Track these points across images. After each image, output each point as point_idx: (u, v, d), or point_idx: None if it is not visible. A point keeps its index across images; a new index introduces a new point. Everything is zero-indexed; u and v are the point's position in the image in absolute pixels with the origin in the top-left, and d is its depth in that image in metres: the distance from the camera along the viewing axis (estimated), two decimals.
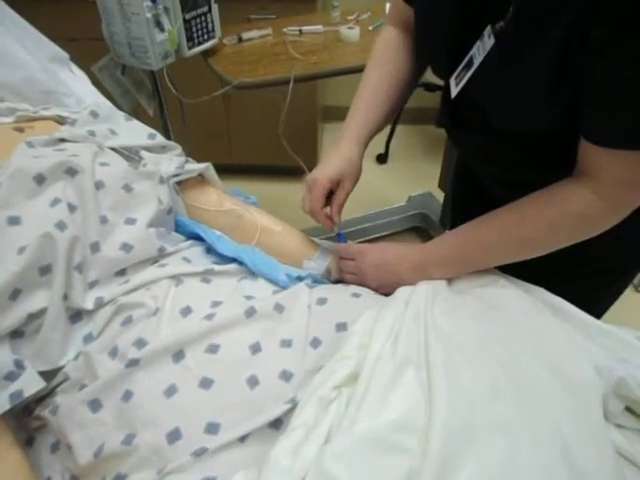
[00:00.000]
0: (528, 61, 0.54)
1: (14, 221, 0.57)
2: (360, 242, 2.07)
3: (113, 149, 0.74)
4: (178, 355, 0.55)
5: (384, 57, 0.78)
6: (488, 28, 0.57)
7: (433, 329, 0.55)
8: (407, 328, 0.55)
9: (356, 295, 0.66)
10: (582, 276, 0.74)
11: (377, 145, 2.43)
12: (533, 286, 0.65)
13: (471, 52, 0.60)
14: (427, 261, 0.67)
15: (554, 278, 0.65)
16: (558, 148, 0.59)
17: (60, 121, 0.80)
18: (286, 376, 0.55)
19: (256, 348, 0.57)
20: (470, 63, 0.60)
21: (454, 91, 0.64)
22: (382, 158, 2.46)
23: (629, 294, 1.79)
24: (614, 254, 0.73)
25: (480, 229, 0.65)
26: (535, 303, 0.62)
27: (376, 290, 0.70)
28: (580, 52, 0.50)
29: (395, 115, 0.81)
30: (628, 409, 0.53)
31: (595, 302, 0.78)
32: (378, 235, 1.98)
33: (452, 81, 0.64)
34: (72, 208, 0.61)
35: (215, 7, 1.21)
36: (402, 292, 0.62)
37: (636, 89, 0.48)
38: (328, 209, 0.75)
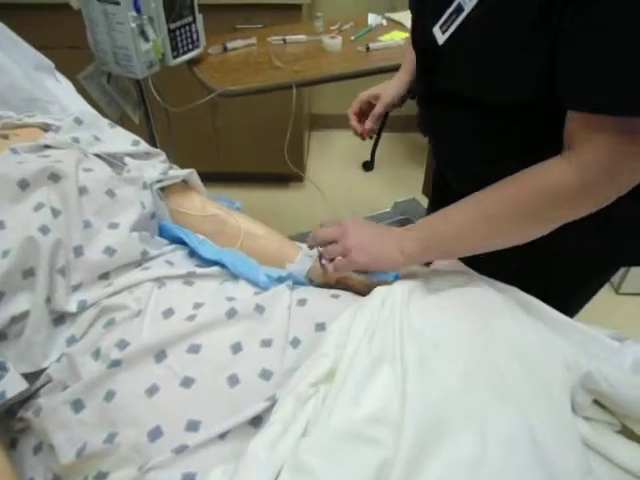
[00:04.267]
0: (517, 7, 0.54)
1: None
2: None
3: (97, 155, 0.75)
4: (160, 355, 0.56)
5: None
6: None
7: (408, 326, 0.57)
8: (383, 326, 0.57)
9: (335, 296, 0.68)
10: (553, 277, 0.76)
11: (363, 153, 2.47)
12: (506, 285, 0.67)
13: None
14: (404, 232, 0.68)
15: (527, 279, 0.67)
16: (537, 130, 0.59)
17: (45, 128, 0.81)
18: (266, 375, 0.56)
19: (237, 348, 0.58)
20: (459, 9, 0.60)
21: (441, 39, 0.63)
22: (368, 165, 2.50)
23: (609, 296, 1.83)
24: (583, 256, 0.75)
25: (453, 207, 0.65)
26: (507, 301, 0.64)
27: (357, 258, 0.67)
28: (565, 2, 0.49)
29: None
30: (596, 402, 0.55)
31: (568, 302, 0.80)
32: None
33: (436, 29, 0.64)
34: (56, 213, 0.62)
35: (200, 17, 1.23)
36: (378, 291, 0.64)
37: (613, 46, 0.48)
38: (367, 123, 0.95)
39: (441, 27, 0.63)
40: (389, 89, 0.94)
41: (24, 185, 0.62)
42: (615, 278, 1.80)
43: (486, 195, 0.62)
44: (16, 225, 0.59)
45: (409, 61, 0.93)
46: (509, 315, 0.62)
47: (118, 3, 1.02)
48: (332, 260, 0.70)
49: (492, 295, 0.65)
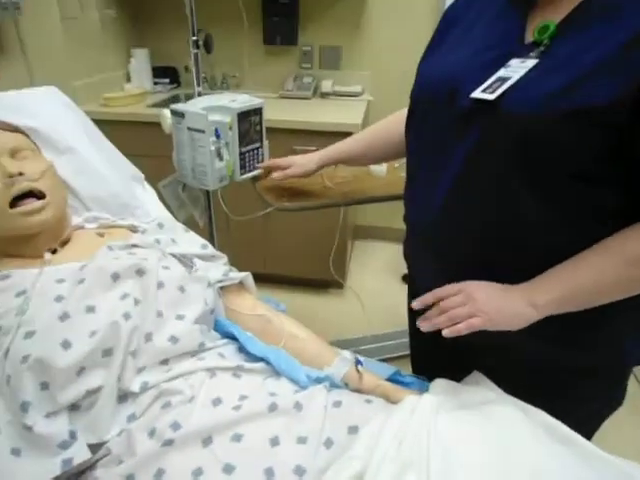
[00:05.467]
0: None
1: (91, 309, 0.70)
2: (385, 359, 2.05)
3: (173, 255, 0.88)
4: (207, 440, 0.62)
5: (387, 121, 1.07)
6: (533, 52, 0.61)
7: (435, 438, 0.61)
8: (411, 434, 0.61)
9: (368, 401, 0.73)
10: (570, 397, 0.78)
11: (403, 265, 2.55)
12: (532, 407, 0.70)
13: (499, 73, 0.62)
14: (530, 286, 0.67)
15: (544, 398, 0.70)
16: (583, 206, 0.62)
17: (132, 229, 0.97)
18: (299, 471, 0.61)
19: (275, 441, 0.64)
20: (503, 78, 0.61)
21: (490, 96, 0.61)
22: (407, 278, 2.58)
23: None
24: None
25: (583, 255, 0.65)
26: (532, 423, 0.67)
27: (487, 319, 0.66)
28: None
29: (372, 160, 1.21)
30: None
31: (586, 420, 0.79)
32: (404, 353, 2.02)
33: (478, 93, 0.63)
34: (137, 302, 0.73)
35: (266, 143, 1.44)
36: (409, 400, 0.68)
37: None
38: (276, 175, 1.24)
39: (483, 91, 0.62)
40: (302, 161, 1.22)
41: (116, 277, 0.75)
42: None
43: (624, 238, 0.62)
44: (105, 310, 0.70)
45: (339, 148, 1.18)
46: (533, 439, 0.65)
47: (203, 132, 1.24)
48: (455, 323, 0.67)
49: (518, 416, 0.68)
